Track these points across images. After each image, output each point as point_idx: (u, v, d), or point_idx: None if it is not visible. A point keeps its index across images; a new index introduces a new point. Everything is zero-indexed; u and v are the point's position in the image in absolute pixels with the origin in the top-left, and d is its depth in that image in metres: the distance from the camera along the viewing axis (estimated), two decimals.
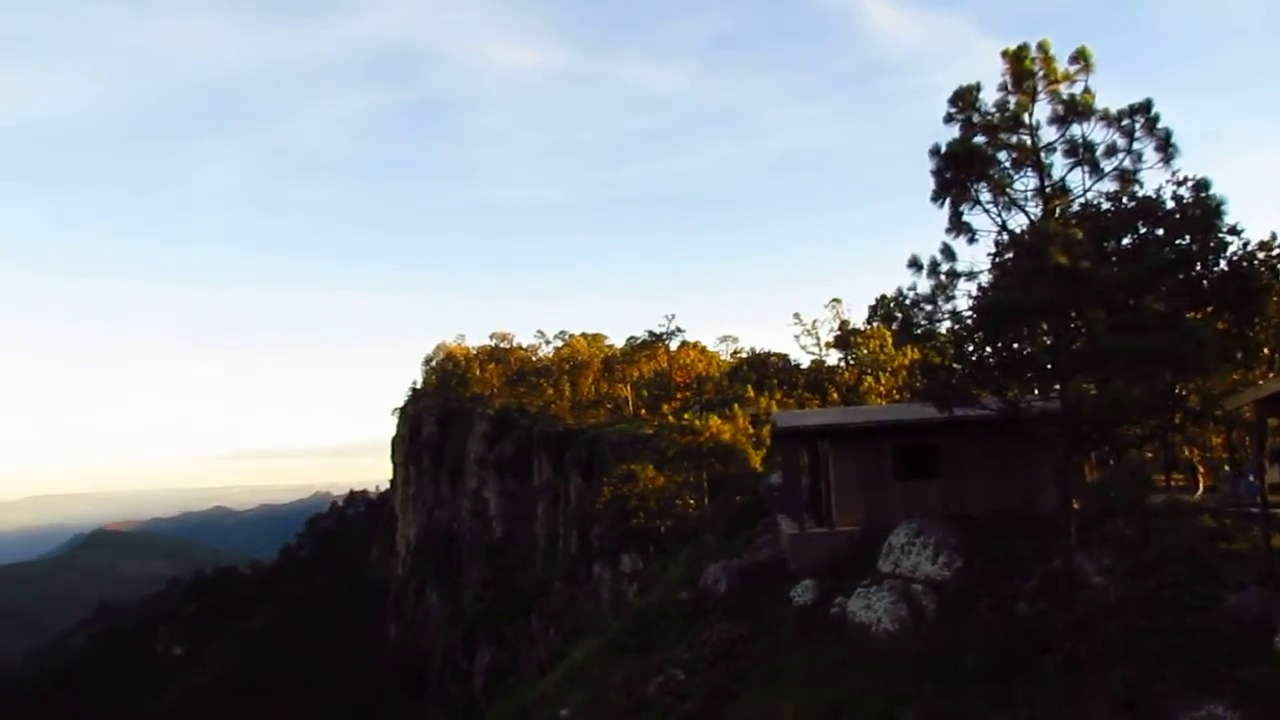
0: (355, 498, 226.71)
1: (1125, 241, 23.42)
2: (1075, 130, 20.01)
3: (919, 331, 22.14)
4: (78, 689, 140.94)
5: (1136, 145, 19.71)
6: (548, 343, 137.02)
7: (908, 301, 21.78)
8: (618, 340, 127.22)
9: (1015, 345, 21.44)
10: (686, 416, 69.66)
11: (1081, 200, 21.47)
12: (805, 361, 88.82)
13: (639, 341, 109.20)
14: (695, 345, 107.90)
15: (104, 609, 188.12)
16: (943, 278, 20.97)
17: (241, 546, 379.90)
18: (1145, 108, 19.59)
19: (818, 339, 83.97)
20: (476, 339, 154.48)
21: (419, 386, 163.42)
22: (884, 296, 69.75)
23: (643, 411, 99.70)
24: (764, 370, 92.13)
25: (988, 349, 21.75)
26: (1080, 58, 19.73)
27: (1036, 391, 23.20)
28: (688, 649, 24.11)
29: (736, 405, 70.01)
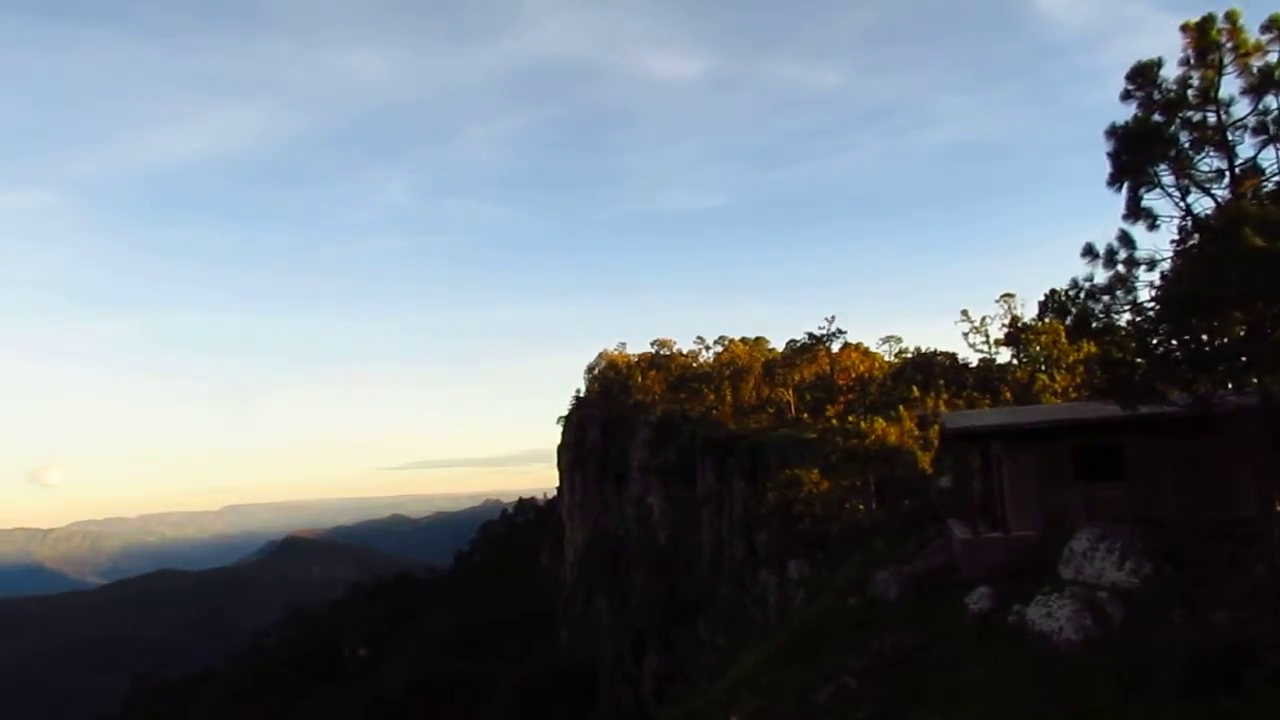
0: (525, 505, 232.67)
1: None
2: (1268, 105, 18.60)
3: (1096, 325, 21.01)
4: (272, 689, 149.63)
5: None
6: (708, 348, 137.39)
7: (1083, 293, 20.72)
8: (778, 343, 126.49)
9: (1204, 337, 20.02)
10: (851, 419, 68.37)
11: (1276, 180, 19.92)
12: (974, 360, 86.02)
13: (800, 344, 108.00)
14: (857, 347, 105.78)
15: (294, 612, 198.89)
16: (1121, 267, 19.85)
17: (417, 552, 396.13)
18: None
19: (987, 336, 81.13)
20: (638, 346, 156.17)
21: (582, 394, 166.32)
22: (1056, 289, 66.86)
23: (805, 415, 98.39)
24: (930, 370, 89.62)
25: (1174, 341, 20.38)
26: (1273, 26, 18.26)
27: (1230, 386, 21.64)
28: (859, 657, 23.59)
29: (902, 407, 68.34)
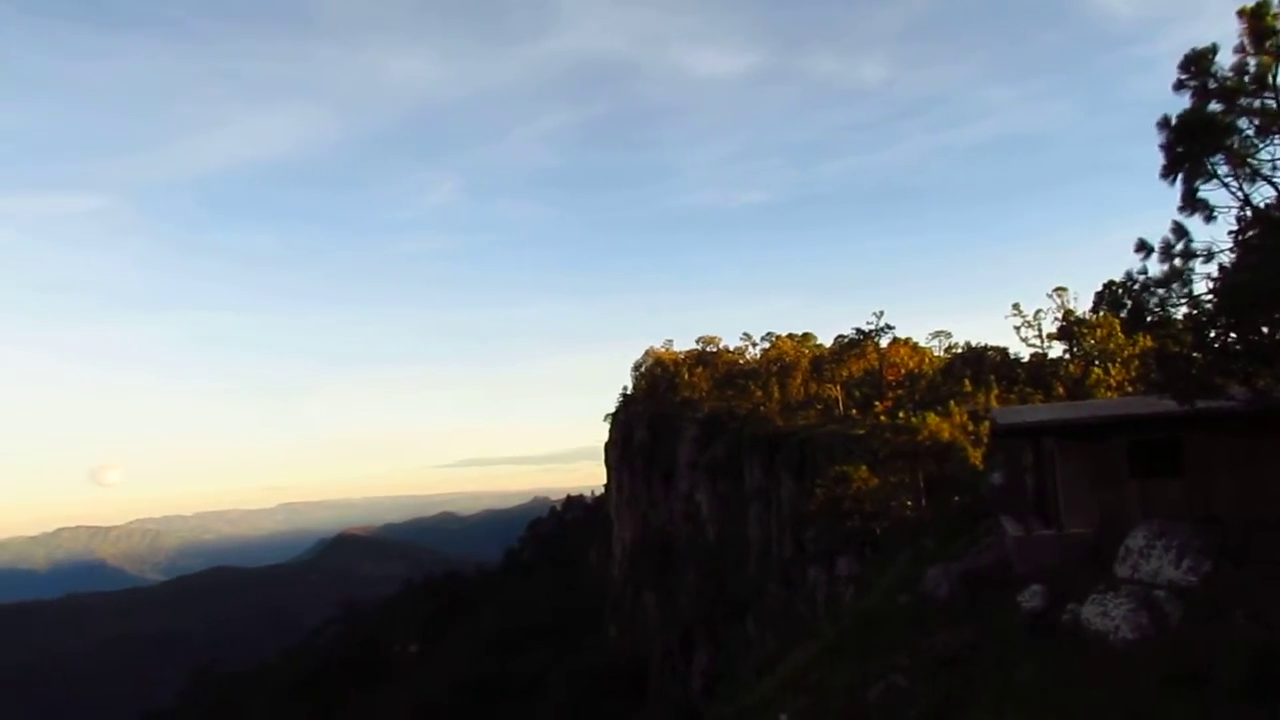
0: (573, 502, 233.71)
1: None
2: None
3: (1152, 319, 20.64)
4: (326, 684, 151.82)
5: None
6: (754, 345, 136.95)
7: (1138, 287, 20.35)
8: (825, 339, 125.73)
9: (1264, 330, 19.57)
10: (900, 415, 67.73)
11: None
12: (1026, 355, 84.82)
13: (847, 340, 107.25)
14: (906, 342, 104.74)
15: (347, 609, 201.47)
16: (1177, 260, 19.45)
17: (467, 550, 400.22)
18: None
19: (1039, 330, 79.92)
20: (684, 343, 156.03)
21: (629, 392, 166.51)
22: (1111, 282, 65.64)
23: (854, 411, 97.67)
24: (981, 365, 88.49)
25: (1232, 335, 19.92)
26: None
27: None
28: (909, 655, 23.37)
29: (953, 402, 67.57)
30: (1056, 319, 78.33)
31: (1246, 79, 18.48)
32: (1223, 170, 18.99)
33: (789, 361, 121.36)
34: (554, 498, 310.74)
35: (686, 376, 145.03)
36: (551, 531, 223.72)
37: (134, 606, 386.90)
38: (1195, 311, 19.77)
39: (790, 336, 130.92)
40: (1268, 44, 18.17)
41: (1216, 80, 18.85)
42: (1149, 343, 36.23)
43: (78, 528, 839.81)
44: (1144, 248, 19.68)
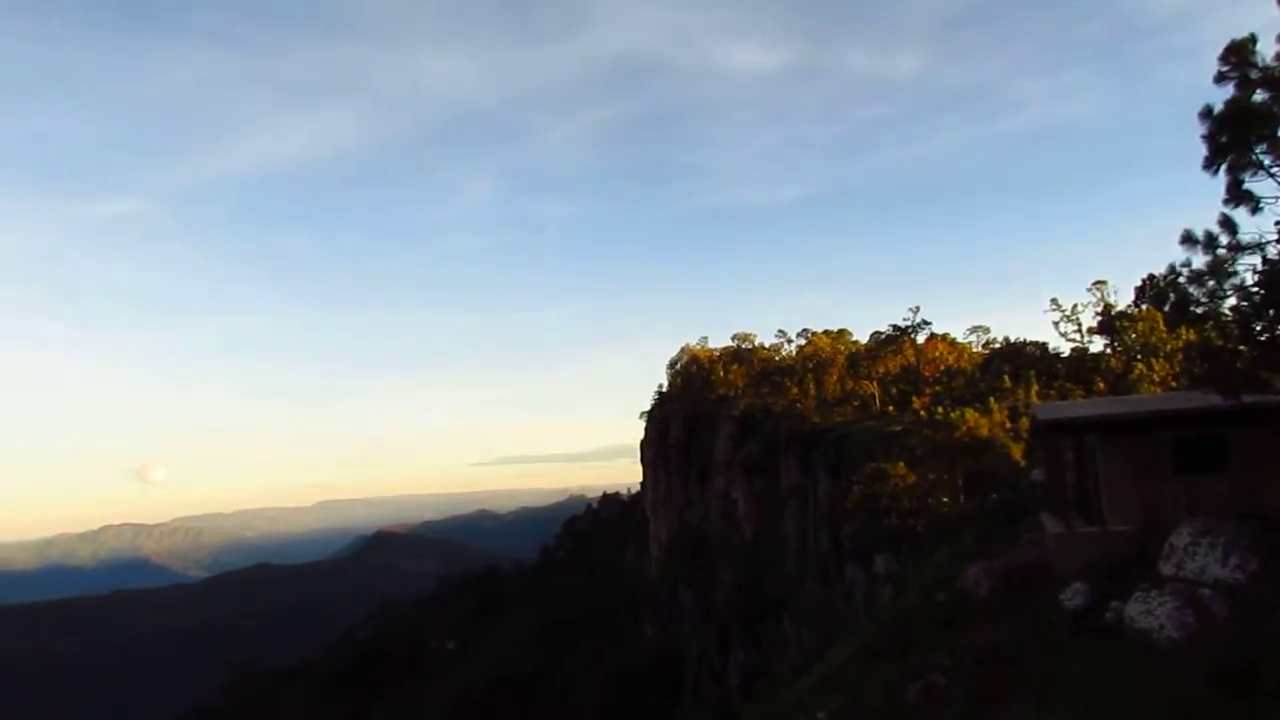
0: (609, 499, 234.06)
1: None
2: None
3: (1197, 312, 20.28)
4: (365, 680, 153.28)
5: None
6: (790, 341, 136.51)
7: (1182, 280, 20.00)
8: (861, 335, 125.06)
9: None
10: (939, 411, 67.19)
11: None
12: (1066, 349, 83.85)
13: (884, 336, 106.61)
14: (943, 337, 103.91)
15: (385, 606, 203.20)
16: (1222, 252, 19.10)
17: (503, 547, 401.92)
18: None
19: (1079, 325, 79.01)
20: (719, 340, 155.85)
21: (665, 390, 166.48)
22: (1152, 276, 64.80)
23: (891, 408, 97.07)
24: (1020, 360, 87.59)
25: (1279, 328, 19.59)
26: None
27: None
28: (948, 654, 23.18)
29: (992, 398, 66.95)
30: (1096, 313, 77.45)
31: None
32: (1268, 160, 18.63)
33: (825, 358, 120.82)
34: (590, 495, 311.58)
35: (722, 374, 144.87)
36: (587, 529, 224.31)
37: (177, 602, 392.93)
38: (1242, 304, 19.41)
39: (826, 333, 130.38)
40: None
41: (1259, 70, 18.49)
42: (1193, 336, 35.60)
43: (123, 525, 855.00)
44: (1188, 240, 19.36)
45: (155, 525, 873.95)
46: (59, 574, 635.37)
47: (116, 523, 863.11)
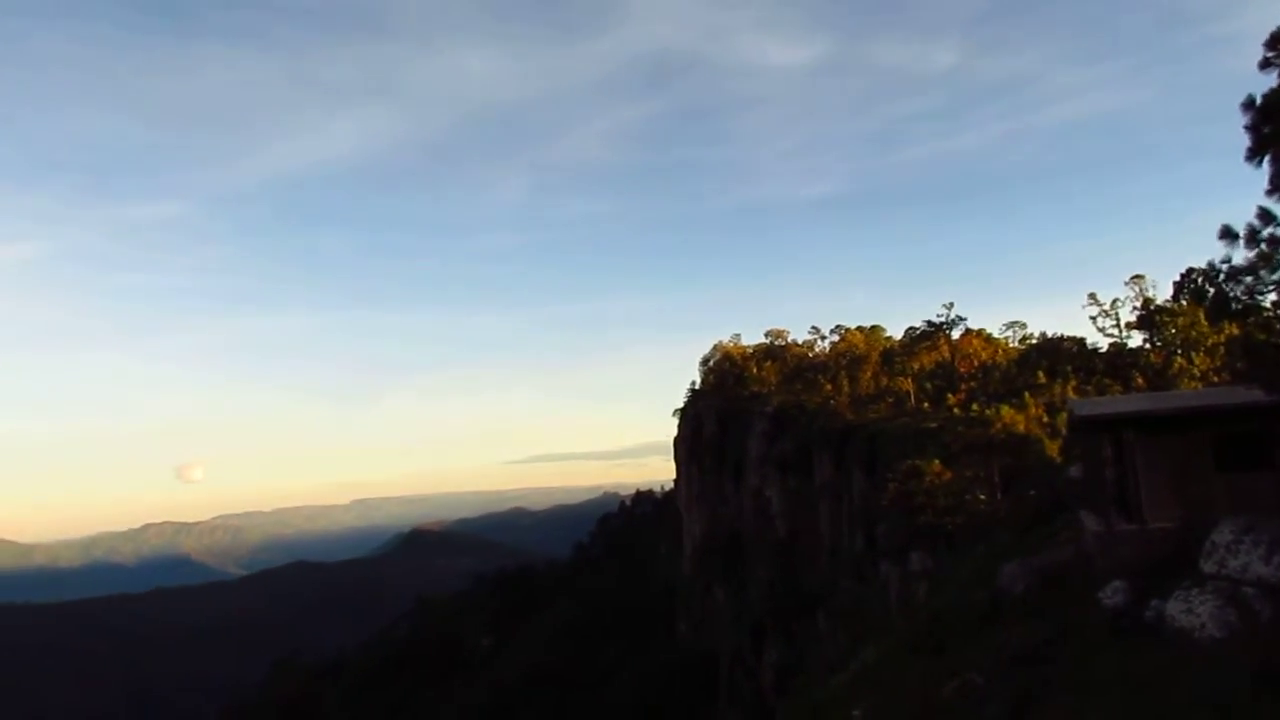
0: (642, 497, 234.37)
1: None
2: None
3: (1238, 307, 19.97)
4: (401, 676, 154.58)
5: None
6: (823, 338, 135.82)
7: (1222, 274, 19.71)
8: (895, 331, 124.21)
9: None
10: (974, 408, 66.63)
11: None
12: (1104, 345, 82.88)
13: (919, 332, 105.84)
14: (979, 333, 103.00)
15: (421, 603, 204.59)
16: (1264, 246, 18.79)
17: (538, 544, 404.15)
18: None
19: (1117, 320, 78.09)
20: (752, 337, 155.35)
21: (698, 387, 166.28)
22: (1191, 270, 63.86)
23: (926, 404, 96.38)
24: (1056, 356, 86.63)
25: None
26: None
27: None
28: (985, 652, 23.02)
29: (1028, 394, 66.30)
30: (1135, 308, 76.53)
31: None
32: None
33: (859, 354, 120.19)
34: (624, 493, 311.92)
35: (755, 370, 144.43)
36: (621, 526, 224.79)
37: (217, 599, 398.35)
38: None
39: (859, 329, 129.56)
40: None
41: None
42: (1235, 331, 35.05)
43: (164, 524, 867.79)
44: (1229, 233, 19.06)
45: (195, 523, 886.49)
46: (102, 572, 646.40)
47: (157, 521, 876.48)
